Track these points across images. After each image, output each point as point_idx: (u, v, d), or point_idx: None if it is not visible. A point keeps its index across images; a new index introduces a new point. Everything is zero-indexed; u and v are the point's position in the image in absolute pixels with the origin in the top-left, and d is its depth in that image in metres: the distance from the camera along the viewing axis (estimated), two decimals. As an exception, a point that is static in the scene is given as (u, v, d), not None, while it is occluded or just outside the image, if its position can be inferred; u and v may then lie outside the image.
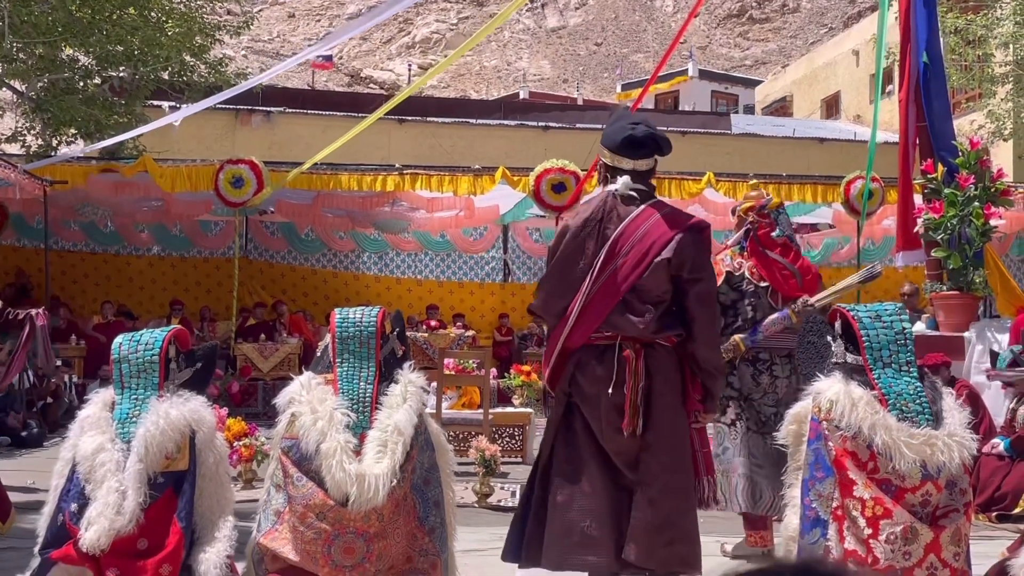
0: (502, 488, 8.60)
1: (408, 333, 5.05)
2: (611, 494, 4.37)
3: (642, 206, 4.48)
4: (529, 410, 11.22)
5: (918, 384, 4.07)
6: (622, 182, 4.51)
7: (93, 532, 4.31)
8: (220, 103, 17.28)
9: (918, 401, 4.01)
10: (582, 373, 4.49)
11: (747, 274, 6.21)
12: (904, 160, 10.14)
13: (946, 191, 9.72)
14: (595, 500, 4.37)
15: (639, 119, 4.67)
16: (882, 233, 18.53)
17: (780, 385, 6.18)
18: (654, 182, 4.70)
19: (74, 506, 4.47)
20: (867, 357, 4.11)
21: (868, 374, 4.08)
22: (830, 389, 4.03)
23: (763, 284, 6.20)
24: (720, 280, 6.04)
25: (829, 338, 4.31)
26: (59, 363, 13.94)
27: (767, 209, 6.36)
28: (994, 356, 8.37)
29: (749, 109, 40.10)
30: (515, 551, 4.61)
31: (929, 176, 9.93)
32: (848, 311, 4.26)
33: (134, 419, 4.55)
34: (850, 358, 4.18)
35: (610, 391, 4.33)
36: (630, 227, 4.41)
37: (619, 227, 4.41)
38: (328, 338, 4.68)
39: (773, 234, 6.30)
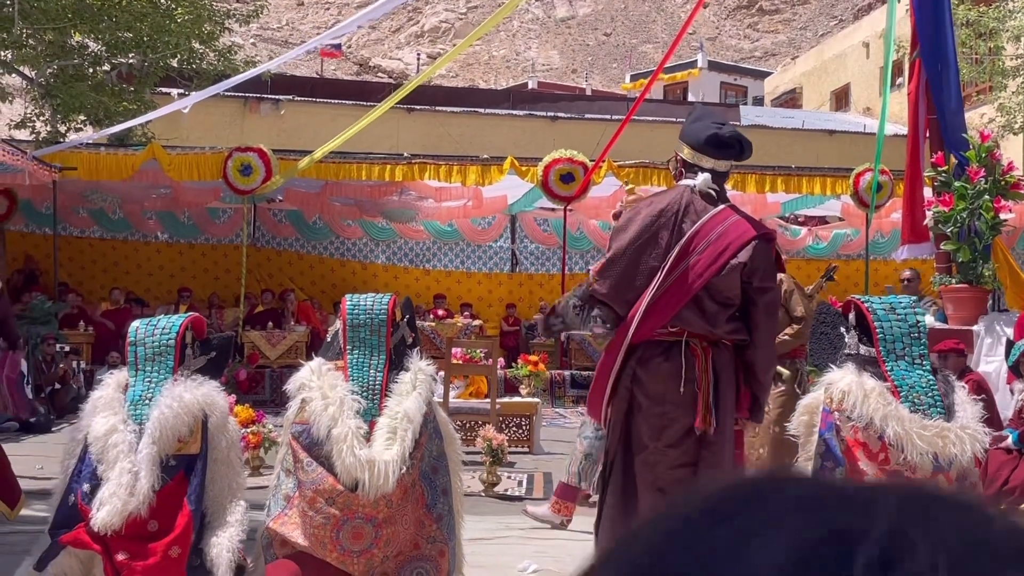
0: (509, 477, 8.63)
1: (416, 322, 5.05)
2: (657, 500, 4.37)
3: (720, 206, 4.45)
4: (536, 400, 11.24)
5: (931, 377, 4.06)
6: (702, 179, 4.47)
7: (106, 512, 4.33)
8: (228, 91, 17.27)
9: (930, 394, 4.00)
10: (645, 369, 4.43)
11: None
12: (912, 153, 10.11)
13: (956, 184, 9.70)
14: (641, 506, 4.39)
15: (723, 120, 4.66)
16: (891, 226, 18.49)
17: None
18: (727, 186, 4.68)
19: (86, 486, 4.49)
20: (880, 349, 4.10)
21: (881, 366, 4.07)
22: (842, 380, 4.02)
23: None
24: None
25: (842, 329, 4.30)
26: (67, 349, 13.99)
27: None
28: (1009, 345, 8.36)
29: (758, 101, 39.98)
30: None
31: (939, 169, 9.90)
32: (863, 303, 4.25)
33: (147, 401, 4.58)
34: (863, 350, 4.18)
35: (682, 388, 4.31)
36: (707, 226, 4.38)
37: (696, 224, 4.38)
38: (338, 324, 4.68)
39: None
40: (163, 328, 4.77)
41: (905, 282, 12.85)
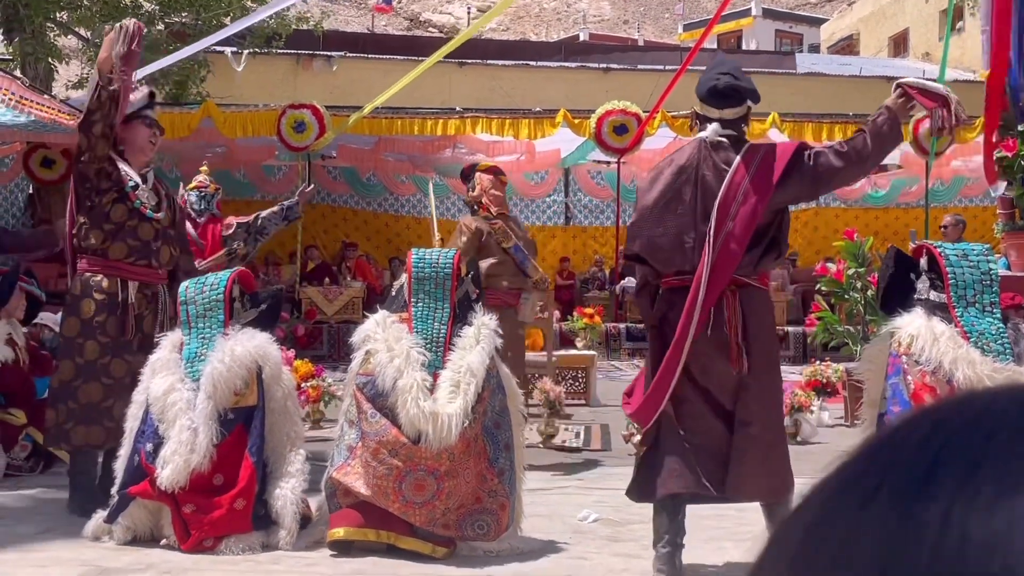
0: (566, 429, 8.66)
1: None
2: (711, 429, 4.41)
3: (736, 161, 4.46)
4: (592, 352, 11.23)
5: (1001, 325, 4.02)
6: (711, 129, 4.56)
7: (170, 470, 4.42)
8: (281, 49, 17.23)
9: (1000, 341, 3.96)
10: (676, 313, 4.46)
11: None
12: (991, 91, 9.86)
13: (1020, 128, 9.52)
14: (698, 435, 4.42)
15: (727, 68, 4.71)
16: (951, 174, 18.19)
17: None
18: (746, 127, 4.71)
19: (149, 446, 4.58)
20: (951, 295, 4.05)
21: (951, 312, 4.03)
22: (911, 324, 3.99)
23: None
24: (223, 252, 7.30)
25: (913, 275, 4.25)
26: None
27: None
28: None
29: (814, 48, 39.31)
30: (643, 488, 4.62)
31: (1002, 112, 9.71)
32: (936, 248, 4.20)
33: (202, 358, 4.65)
34: (934, 295, 4.14)
35: (709, 332, 4.35)
36: (729, 191, 4.39)
37: (721, 188, 4.40)
38: (403, 277, 4.71)
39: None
40: (211, 285, 4.85)
41: (944, 229, 12.54)
